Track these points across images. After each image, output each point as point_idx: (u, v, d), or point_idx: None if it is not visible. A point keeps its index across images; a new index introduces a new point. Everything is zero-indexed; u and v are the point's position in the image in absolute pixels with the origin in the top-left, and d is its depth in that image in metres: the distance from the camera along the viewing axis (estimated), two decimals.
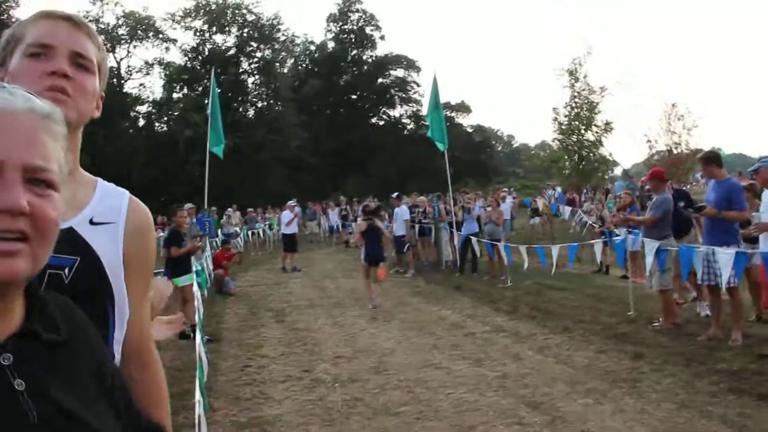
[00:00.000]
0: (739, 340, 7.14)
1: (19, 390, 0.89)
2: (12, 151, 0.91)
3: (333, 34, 54.97)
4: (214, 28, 45.88)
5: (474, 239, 14.49)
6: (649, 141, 29.51)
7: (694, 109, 49.39)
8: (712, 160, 7.76)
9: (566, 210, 22.92)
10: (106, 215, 1.42)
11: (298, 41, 53.37)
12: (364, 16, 54.88)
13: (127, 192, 1.52)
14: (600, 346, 7.65)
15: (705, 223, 7.67)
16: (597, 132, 27.30)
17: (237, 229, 23.17)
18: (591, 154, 27.64)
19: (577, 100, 27.99)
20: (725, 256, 7.12)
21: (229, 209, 24.95)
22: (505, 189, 32.81)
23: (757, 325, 8.05)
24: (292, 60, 53.76)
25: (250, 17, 46.68)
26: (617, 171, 35.43)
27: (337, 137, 49.98)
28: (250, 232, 24.93)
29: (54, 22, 1.43)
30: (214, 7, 45.50)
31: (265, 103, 48.50)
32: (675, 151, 28.42)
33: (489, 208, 15.38)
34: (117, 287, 1.40)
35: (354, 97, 55.31)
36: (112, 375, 1.11)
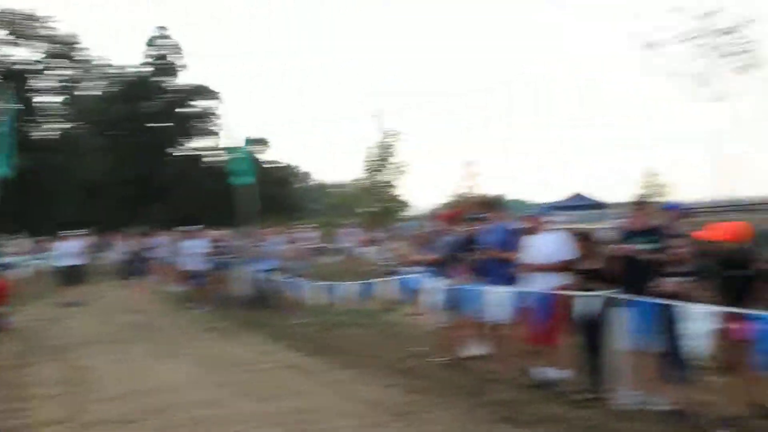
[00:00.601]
0: (513, 373, 7.68)
1: None
2: None
3: (144, 60, 53.35)
4: (13, 39, 42.18)
5: (270, 275, 14.38)
6: (445, 185, 31.82)
7: (483, 157, 54.01)
8: (490, 205, 8.45)
9: (364, 248, 23.55)
10: None
11: (108, 63, 51.00)
12: (169, 44, 53.73)
13: None
14: (387, 381, 7.84)
15: (482, 263, 8.21)
16: (392, 173, 28.79)
17: (19, 258, 21.27)
18: (387, 194, 29.00)
19: (381, 141, 29.34)
20: (498, 295, 7.68)
21: (15, 236, 22.88)
22: (307, 225, 33.10)
23: (531, 357, 8.69)
24: (98, 82, 51.05)
25: (52, 32, 43.58)
26: (413, 212, 37.18)
27: (139, 164, 48.10)
28: (36, 262, 22.94)
29: None
30: (14, 17, 41.91)
31: (65, 125, 45.28)
32: (467, 196, 30.55)
33: (288, 244, 15.41)
34: None
35: (157, 125, 53.51)
36: None
